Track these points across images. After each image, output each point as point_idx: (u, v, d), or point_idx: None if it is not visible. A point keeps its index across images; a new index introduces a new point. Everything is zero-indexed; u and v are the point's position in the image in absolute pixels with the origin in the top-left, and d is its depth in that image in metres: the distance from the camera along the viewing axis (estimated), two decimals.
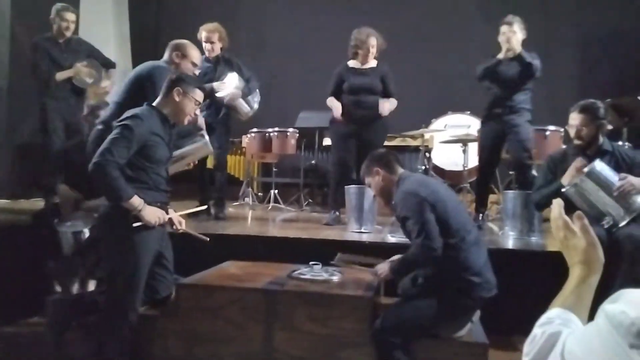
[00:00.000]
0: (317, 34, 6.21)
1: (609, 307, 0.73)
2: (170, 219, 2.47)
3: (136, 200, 2.32)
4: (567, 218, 0.97)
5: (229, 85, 3.92)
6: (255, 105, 4.18)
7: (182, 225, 2.53)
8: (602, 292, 0.97)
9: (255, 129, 5.40)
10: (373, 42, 4.00)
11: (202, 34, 4.10)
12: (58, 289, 2.97)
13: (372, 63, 4.09)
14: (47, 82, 4.18)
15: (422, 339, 2.30)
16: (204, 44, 4.08)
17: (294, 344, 2.45)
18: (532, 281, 2.97)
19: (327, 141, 5.33)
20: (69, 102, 4.25)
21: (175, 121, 2.56)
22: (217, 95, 3.90)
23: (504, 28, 3.81)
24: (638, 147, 4.02)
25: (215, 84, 3.90)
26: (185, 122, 2.60)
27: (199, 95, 2.57)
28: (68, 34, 4.23)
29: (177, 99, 2.49)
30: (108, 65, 4.49)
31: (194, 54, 3.15)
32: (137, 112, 2.42)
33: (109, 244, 2.46)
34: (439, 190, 2.38)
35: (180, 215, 2.57)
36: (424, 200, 2.25)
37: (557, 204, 1.04)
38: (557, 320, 0.88)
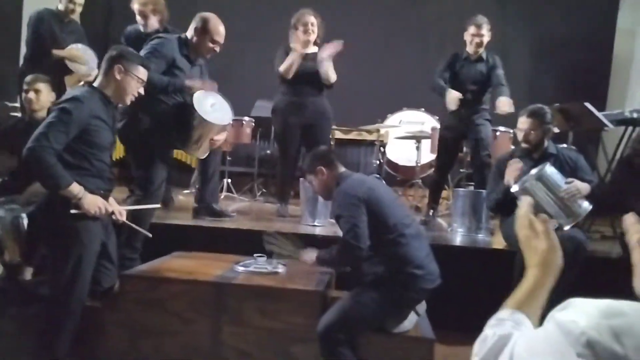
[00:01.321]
0: (274, 21, 6.13)
1: (559, 314, 0.74)
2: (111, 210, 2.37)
3: (75, 188, 2.20)
4: (532, 217, 0.98)
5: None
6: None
7: (122, 217, 2.43)
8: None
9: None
10: (312, 20, 3.82)
11: (134, 6, 3.68)
12: None
13: (314, 48, 3.90)
14: (40, 55, 3.94)
15: (369, 334, 2.31)
16: (137, 18, 3.73)
17: (243, 338, 2.42)
18: (478, 277, 3.07)
19: None
20: (54, 81, 3.98)
21: (118, 102, 2.43)
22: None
23: (472, 29, 3.83)
24: (581, 151, 4.20)
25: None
26: (128, 102, 2.45)
27: (142, 72, 2.42)
28: (74, 16, 4.06)
29: (118, 77, 2.35)
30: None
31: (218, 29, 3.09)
32: (76, 94, 2.28)
33: (51, 233, 2.33)
34: (375, 188, 2.43)
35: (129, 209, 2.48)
36: (358, 200, 2.30)
37: (526, 202, 1.04)
38: (508, 322, 0.89)
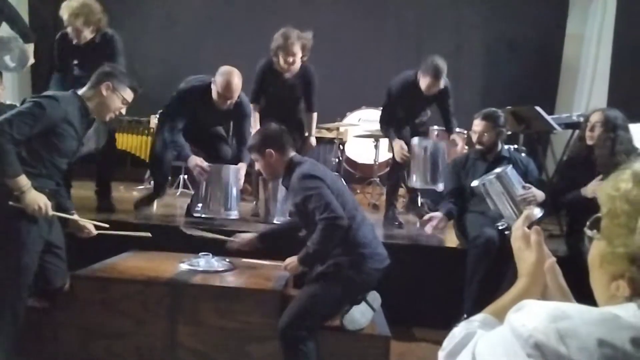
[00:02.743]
0: (232, 12, 6.08)
1: (512, 316, 0.78)
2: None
3: (22, 180, 2.12)
4: (527, 231, 1.02)
5: None
6: None
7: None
8: (494, 289, 1.04)
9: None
10: (296, 50, 3.61)
11: (64, 17, 3.32)
12: None
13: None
14: None
15: (324, 333, 2.32)
16: (68, 29, 3.39)
17: (199, 338, 2.39)
18: (432, 274, 3.15)
19: None
20: None
21: (97, 116, 2.40)
22: None
23: (429, 81, 3.63)
24: (532, 152, 4.38)
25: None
26: (107, 119, 2.45)
27: (128, 94, 2.41)
28: None
29: (104, 93, 2.34)
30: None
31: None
32: (57, 94, 2.25)
33: None
34: (329, 174, 2.46)
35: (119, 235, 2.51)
36: (320, 179, 2.31)
37: (524, 215, 1.09)
38: (477, 322, 0.93)
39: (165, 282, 2.45)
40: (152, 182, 4.98)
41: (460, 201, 3.11)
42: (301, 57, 3.65)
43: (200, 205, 3.32)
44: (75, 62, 3.51)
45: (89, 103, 2.35)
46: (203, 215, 3.30)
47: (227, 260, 2.73)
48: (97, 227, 2.47)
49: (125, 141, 5.29)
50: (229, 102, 3.36)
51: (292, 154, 2.48)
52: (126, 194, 4.66)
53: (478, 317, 0.96)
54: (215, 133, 3.75)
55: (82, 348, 2.40)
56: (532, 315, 0.75)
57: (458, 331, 0.92)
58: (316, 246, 2.25)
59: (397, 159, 3.83)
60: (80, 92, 2.36)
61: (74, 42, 3.38)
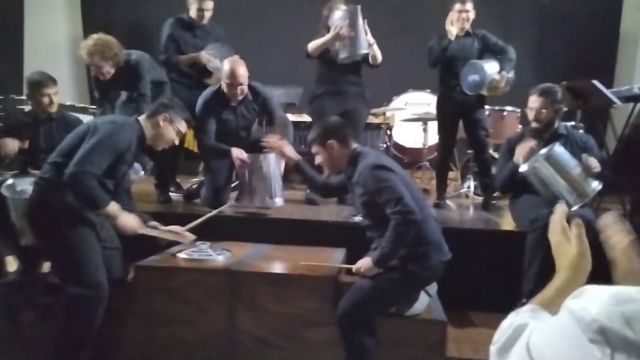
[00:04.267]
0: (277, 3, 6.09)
1: (571, 302, 0.76)
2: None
3: (113, 207, 2.32)
4: (565, 225, 1.00)
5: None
6: None
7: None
8: (554, 272, 1.02)
9: None
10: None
11: (83, 57, 3.37)
12: (10, 269, 2.85)
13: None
14: (171, 62, 3.92)
15: (381, 318, 2.33)
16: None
17: (258, 324, 2.45)
18: (488, 259, 3.08)
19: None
20: (193, 83, 4.04)
21: (152, 144, 2.52)
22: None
23: (458, 6, 3.82)
24: (591, 128, 4.18)
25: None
26: (160, 148, 2.59)
27: (183, 127, 2.56)
28: (204, 21, 3.99)
29: (161, 124, 2.48)
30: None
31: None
32: (124, 123, 2.40)
33: (44, 227, 2.38)
34: (397, 166, 2.39)
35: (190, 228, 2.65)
36: (393, 173, 2.24)
37: (561, 209, 1.06)
38: (527, 314, 0.91)
39: (223, 270, 2.52)
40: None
41: (515, 182, 3.02)
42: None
43: (243, 197, 3.34)
44: (125, 95, 3.67)
45: (146, 131, 2.47)
46: (249, 206, 3.30)
47: (223, 248, 2.75)
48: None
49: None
50: (239, 89, 3.37)
51: (355, 145, 2.42)
52: (182, 186, 4.80)
53: (527, 308, 0.94)
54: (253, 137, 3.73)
55: (147, 334, 2.52)
56: (594, 299, 0.73)
57: (508, 324, 0.89)
58: (392, 244, 2.17)
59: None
60: (140, 118, 2.49)
61: (101, 78, 3.44)
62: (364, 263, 2.29)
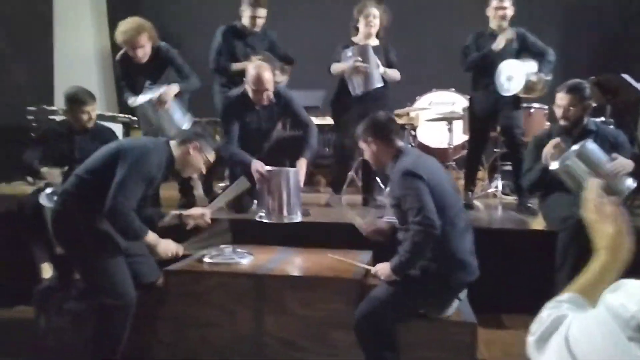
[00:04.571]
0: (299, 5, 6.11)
1: (609, 297, 0.74)
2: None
3: (151, 237, 2.38)
4: (601, 200, 0.96)
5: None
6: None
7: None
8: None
9: None
10: (374, 12, 3.82)
11: (119, 39, 3.47)
12: (45, 275, 2.93)
13: (375, 41, 3.92)
14: (221, 70, 3.97)
15: (410, 320, 2.31)
16: (130, 52, 3.55)
17: (285, 327, 2.47)
18: (518, 259, 3.03)
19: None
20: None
21: (179, 170, 2.55)
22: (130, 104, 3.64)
23: (495, 3, 3.77)
24: (621, 124, 4.07)
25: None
26: (186, 175, 2.64)
27: (211, 157, 2.59)
28: (257, 29, 3.99)
29: (191, 152, 2.50)
30: (287, 60, 4.17)
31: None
32: (154, 147, 2.42)
33: (63, 240, 2.44)
34: (436, 172, 2.31)
35: None
36: (420, 178, 2.19)
37: (595, 185, 1.02)
38: (565, 304, 0.89)
39: (250, 274, 2.54)
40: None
41: (544, 182, 2.96)
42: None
43: (264, 211, 3.18)
44: (148, 83, 3.65)
45: (176, 156, 2.50)
46: (266, 220, 3.14)
47: (245, 250, 2.76)
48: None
49: None
50: (264, 95, 3.36)
51: (400, 144, 2.40)
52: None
53: (565, 297, 0.91)
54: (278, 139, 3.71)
55: (178, 337, 2.56)
56: (633, 294, 0.71)
57: (546, 314, 0.88)
58: (408, 254, 2.17)
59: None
60: (171, 142, 2.52)
61: (135, 60, 3.52)
62: (383, 268, 2.28)
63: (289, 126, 4.04)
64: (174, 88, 3.55)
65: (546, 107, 4.47)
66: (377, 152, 2.41)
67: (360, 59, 3.65)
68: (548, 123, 4.55)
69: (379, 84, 3.72)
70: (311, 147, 3.42)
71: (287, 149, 3.54)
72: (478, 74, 3.90)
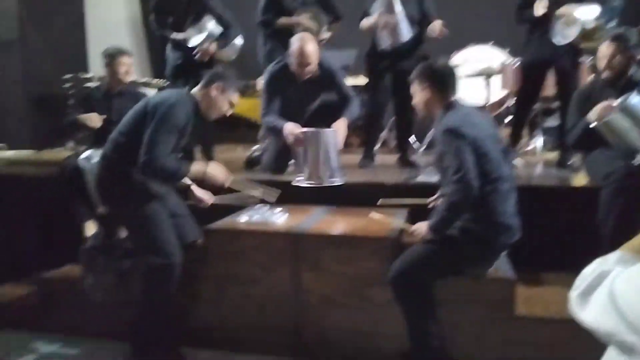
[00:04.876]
0: None
1: None
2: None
3: (194, 167, 2.45)
4: None
5: (202, 32, 3.74)
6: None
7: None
8: (632, 229, 0.95)
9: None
10: None
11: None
12: (88, 234, 3.04)
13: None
14: (268, 24, 3.97)
15: (446, 278, 2.31)
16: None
17: (323, 283, 2.51)
18: (561, 216, 2.95)
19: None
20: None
21: (204, 115, 2.54)
22: (190, 45, 3.74)
23: None
24: None
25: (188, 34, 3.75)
26: (212, 118, 2.60)
27: (235, 98, 2.56)
28: None
29: (213, 94, 2.48)
30: (335, 15, 4.09)
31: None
32: (180, 100, 2.43)
33: (109, 203, 2.53)
34: (483, 131, 2.22)
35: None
36: (466, 140, 2.12)
37: None
38: (612, 260, 0.86)
39: (286, 232, 2.58)
40: (265, 142, 5.20)
41: (588, 139, 2.84)
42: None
43: (301, 175, 3.08)
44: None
45: (200, 102, 2.50)
46: (305, 185, 3.03)
47: (280, 210, 2.78)
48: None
49: (237, 105, 5.51)
50: (308, 68, 3.28)
51: (453, 98, 2.31)
52: (243, 153, 4.90)
53: (614, 255, 0.89)
54: (320, 103, 3.60)
55: (220, 295, 2.65)
56: None
57: (591, 269, 0.86)
58: (445, 212, 2.16)
59: (540, 10, 3.40)
60: (193, 90, 2.52)
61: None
62: (420, 226, 2.27)
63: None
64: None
65: (589, 58, 4.25)
66: (429, 100, 2.31)
67: (383, 10, 3.52)
68: (592, 75, 4.34)
69: (406, 37, 3.58)
70: (352, 111, 3.34)
71: (326, 113, 3.45)
72: (533, 27, 3.64)
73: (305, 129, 3.11)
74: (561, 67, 3.58)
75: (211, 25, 3.80)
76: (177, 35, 3.88)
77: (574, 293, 0.86)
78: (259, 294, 2.59)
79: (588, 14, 3.36)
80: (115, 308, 2.65)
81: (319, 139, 3.02)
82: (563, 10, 3.40)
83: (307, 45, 3.24)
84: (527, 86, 3.82)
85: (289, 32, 3.76)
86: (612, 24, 3.41)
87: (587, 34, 3.37)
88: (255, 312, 2.60)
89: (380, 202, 2.67)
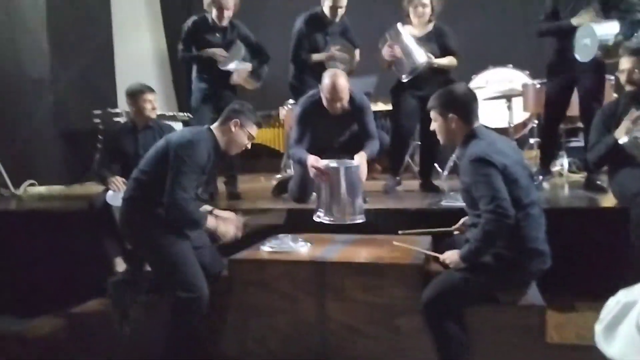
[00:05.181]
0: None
1: None
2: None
3: (210, 222, 2.49)
4: None
5: (236, 59, 3.83)
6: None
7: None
8: None
9: (292, 100, 5.34)
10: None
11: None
12: (119, 269, 3.09)
13: (429, 27, 3.83)
14: (299, 61, 4.10)
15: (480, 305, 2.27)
16: (214, 11, 3.81)
17: (348, 313, 2.49)
18: (589, 239, 2.88)
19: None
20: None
21: (225, 150, 2.59)
22: (223, 68, 3.84)
23: None
24: None
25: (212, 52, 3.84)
26: (233, 153, 2.65)
27: (254, 130, 2.60)
28: (337, 19, 4.02)
29: (233, 130, 2.54)
30: (354, 45, 4.20)
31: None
32: (199, 138, 2.48)
33: (134, 242, 2.59)
34: (511, 157, 2.18)
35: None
36: (496, 168, 2.08)
37: None
38: (637, 290, 0.84)
39: (310, 261, 2.58)
40: (287, 171, 5.26)
41: (610, 158, 2.79)
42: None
43: (321, 210, 2.94)
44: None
45: (219, 138, 2.55)
46: (325, 221, 2.91)
47: (302, 239, 2.77)
48: None
49: (260, 135, 5.58)
50: (339, 104, 3.30)
51: (476, 124, 2.26)
52: (266, 183, 4.95)
53: (639, 286, 0.86)
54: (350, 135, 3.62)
55: (244, 325, 2.64)
56: None
57: (615, 301, 0.84)
58: (479, 243, 2.11)
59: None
60: (213, 126, 2.57)
61: (216, 20, 3.79)
62: (451, 255, 2.23)
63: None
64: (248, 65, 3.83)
65: (612, 77, 4.20)
66: (452, 129, 2.26)
67: (391, 42, 3.56)
68: (615, 95, 4.28)
69: (423, 59, 3.59)
70: (372, 149, 3.33)
71: (356, 145, 3.43)
72: (555, 38, 3.64)
73: (327, 162, 3.02)
74: (585, 85, 3.53)
75: (244, 51, 3.92)
76: (209, 52, 3.93)
77: (599, 327, 0.84)
78: (283, 324, 2.58)
79: (607, 30, 3.31)
80: (142, 341, 2.66)
81: (341, 174, 2.91)
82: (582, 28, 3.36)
83: (338, 80, 3.26)
84: (552, 106, 3.78)
85: (321, 65, 3.89)
86: (636, 38, 3.35)
87: (610, 51, 3.33)
88: (279, 343, 2.58)
89: (400, 233, 2.65)
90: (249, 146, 2.65)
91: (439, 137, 2.38)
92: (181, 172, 2.37)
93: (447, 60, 3.75)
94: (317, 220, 2.94)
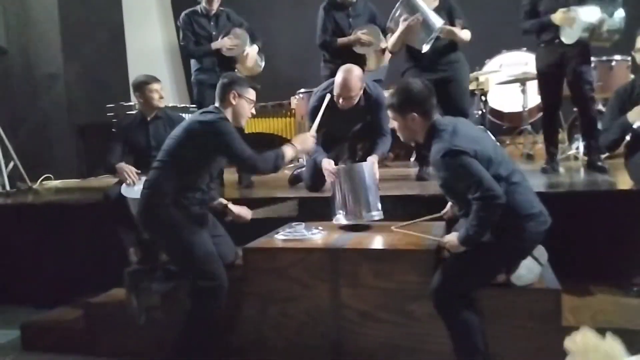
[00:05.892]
0: None
1: None
2: None
3: (288, 152, 2.58)
4: None
5: (246, 44, 3.95)
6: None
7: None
8: None
9: (303, 90, 5.34)
10: None
11: None
12: (134, 258, 3.13)
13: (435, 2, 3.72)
14: (327, 45, 4.09)
15: (491, 289, 2.26)
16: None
17: (361, 299, 2.49)
18: (604, 222, 2.85)
19: None
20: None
21: (234, 123, 2.59)
22: (236, 55, 3.93)
23: None
24: None
25: (220, 43, 3.96)
26: (244, 123, 2.67)
27: (252, 94, 2.60)
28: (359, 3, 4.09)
29: (233, 102, 2.54)
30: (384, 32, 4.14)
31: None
32: (219, 114, 2.52)
33: (153, 231, 2.60)
34: (476, 137, 2.20)
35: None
36: (467, 154, 2.07)
37: None
38: None
39: (324, 248, 2.59)
40: (299, 160, 5.25)
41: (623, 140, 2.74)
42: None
43: (340, 212, 2.90)
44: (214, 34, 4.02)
45: (226, 114, 2.56)
46: (344, 222, 2.88)
47: (320, 227, 2.80)
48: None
49: (272, 125, 5.63)
50: (347, 101, 3.26)
51: (436, 117, 2.25)
52: (280, 173, 4.95)
53: None
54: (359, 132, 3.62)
55: (260, 313, 2.66)
56: None
57: None
58: (476, 227, 2.10)
59: None
60: (218, 105, 2.58)
61: (203, 12, 4.00)
62: (450, 239, 2.22)
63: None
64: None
65: (628, 58, 4.13)
66: (411, 127, 2.25)
67: (406, 15, 3.49)
68: (632, 76, 4.20)
69: (439, 24, 3.51)
70: (383, 149, 3.33)
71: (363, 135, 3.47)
72: (541, 32, 3.65)
73: (342, 165, 3.08)
74: (572, 70, 3.54)
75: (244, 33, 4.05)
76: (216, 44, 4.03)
77: None
78: (298, 311, 2.59)
79: (589, 15, 3.34)
80: (158, 330, 2.70)
81: (354, 174, 2.88)
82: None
83: (351, 77, 3.23)
84: (545, 94, 3.77)
85: (349, 51, 3.89)
86: (618, 17, 3.34)
87: (595, 32, 3.31)
88: (294, 329, 2.60)
89: (393, 229, 2.65)
90: (254, 112, 2.67)
91: (400, 135, 2.36)
92: (231, 144, 2.44)
93: (462, 32, 3.65)
94: (336, 223, 2.92)
